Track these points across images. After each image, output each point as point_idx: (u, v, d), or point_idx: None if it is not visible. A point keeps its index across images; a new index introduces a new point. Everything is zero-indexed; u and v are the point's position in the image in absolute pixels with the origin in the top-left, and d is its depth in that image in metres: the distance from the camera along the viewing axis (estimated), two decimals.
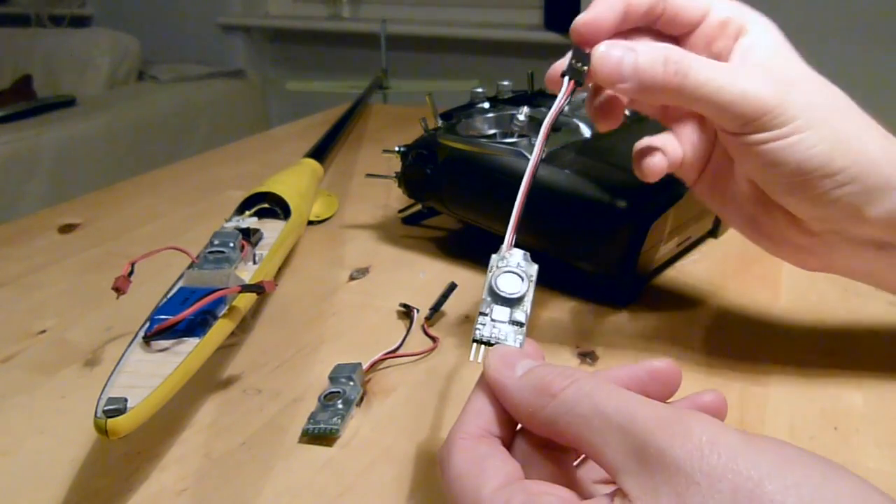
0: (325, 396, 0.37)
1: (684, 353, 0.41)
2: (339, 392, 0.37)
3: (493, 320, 0.29)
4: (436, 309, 0.45)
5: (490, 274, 0.30)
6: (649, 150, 0.36)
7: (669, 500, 0.20)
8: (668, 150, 0.36)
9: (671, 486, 0.20)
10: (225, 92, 2.27)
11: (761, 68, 0.33)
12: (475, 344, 0.29)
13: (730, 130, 0.32)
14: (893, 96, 1.66)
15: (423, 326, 0.44)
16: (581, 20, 0.33)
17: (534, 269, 0.30)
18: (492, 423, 0.26)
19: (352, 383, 0.37)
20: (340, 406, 0.36)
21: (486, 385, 0.27)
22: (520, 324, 0.29)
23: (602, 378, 0.25)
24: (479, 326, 0.29)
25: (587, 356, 0.41)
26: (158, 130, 2.04)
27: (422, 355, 0.41)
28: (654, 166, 0.35)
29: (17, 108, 1.87)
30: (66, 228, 0.62)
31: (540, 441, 0.26)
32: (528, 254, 0.30)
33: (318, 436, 0.35)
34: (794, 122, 0.31)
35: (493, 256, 0.30)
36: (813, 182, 0.32)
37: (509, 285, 0.29)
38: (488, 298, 0.29)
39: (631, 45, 0.32)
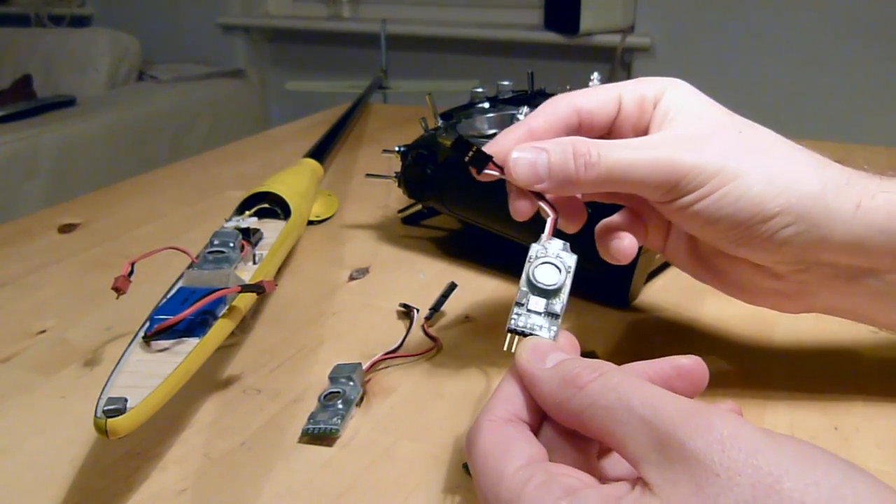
0: (325, 396, 0.37)
1: (684, 353, 0.41)
2: (339, 392, 0.37)
3: (528, 311, 0.29)
4: (436, 309, 0.45)
5: (528, 264, 0.30)
6: (614, 233, 0.35)
7: (689, 490, 0.21)
8: (631, 228, 0.35)
9: (691, 476, 0.21)
10: (225, 92, 2.27)
11: (673, 133, 0.32)
12: (510, 334, 0.29)
13: (657, 200, 0.32)
14: (894, 96, 1.67)
15: (423, 326, 0.44)
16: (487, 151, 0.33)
17: (573, 259, 0.30)
18: (520, 409, 0.27)
19: (352, 383, 0.37)
20: (340, 406, 0.36)
21: (517, 373, 0.28)
22: (555, 315, 0.29)
23: (628, 372, 0.26)
24: (514, 316, 0.29)
25: (587, 356, 0.41)
26: (158, 130, 2.04)
27: (422, 355, 0.41)
28: (627, 249, 0.35)
29: (17, 108, 1.87)
30: (66, 228, 0.62)
31: (565, 429, 0.26)
32: (567, 244, 0.30)
33: (318, 436, 0.35)
34: (715, 179, 0.31)
35: (533, 246, 0.30)
36: (755, 229, 0.31)
37: (547, 276, 0.29)
38: (525, 288, 0.29)
39: (540, 145, 0.32)
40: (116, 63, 2.23)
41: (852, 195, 0.31)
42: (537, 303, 0.29)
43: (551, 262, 0.30)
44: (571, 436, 0.26)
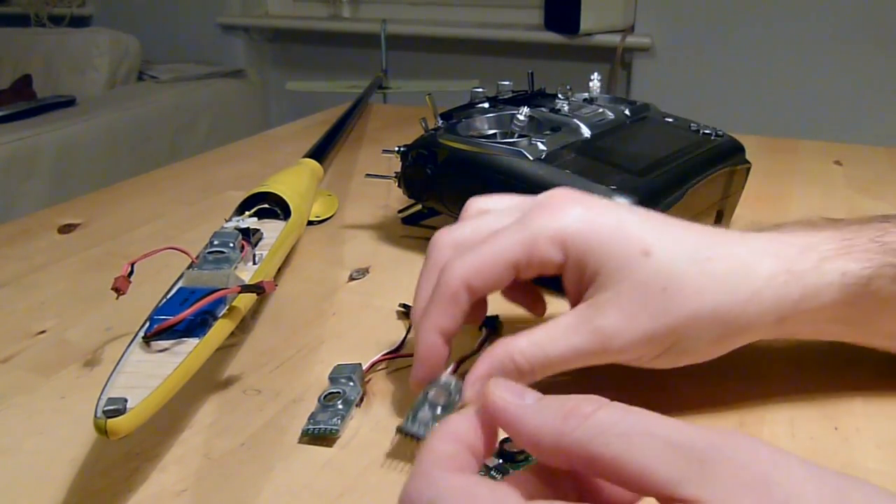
0: (325, 397, 0.37)
1: None
2: (339, 392, 0.37)
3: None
4: None
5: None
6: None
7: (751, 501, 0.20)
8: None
9: (751, 489, 0.20)
10: (225, 92, 2.27)
11: (611, 307, 0.34)
12: (399, 434, 0.32)
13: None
14: (894, 96, 1.67)
15: None
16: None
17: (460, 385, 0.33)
18: (473, 455, 0.24)
19: (352, 384, 0.37)
20: (340, 406, 0.36)
21: (478, 416, 0.25)
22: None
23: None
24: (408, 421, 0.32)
25: None
26: (158, 131, 2.04)
27: None
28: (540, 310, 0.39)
29: (17, 108, 1.87)
30: (66, 228, 0.62)
31: (548, 475, 0.24)
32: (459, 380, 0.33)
33: (318, 436, 0.35)
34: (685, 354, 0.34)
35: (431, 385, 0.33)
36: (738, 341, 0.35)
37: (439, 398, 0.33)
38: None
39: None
40: (116, 63, 2.23)
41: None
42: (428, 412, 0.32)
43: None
44: (556, 482, 0.24)
